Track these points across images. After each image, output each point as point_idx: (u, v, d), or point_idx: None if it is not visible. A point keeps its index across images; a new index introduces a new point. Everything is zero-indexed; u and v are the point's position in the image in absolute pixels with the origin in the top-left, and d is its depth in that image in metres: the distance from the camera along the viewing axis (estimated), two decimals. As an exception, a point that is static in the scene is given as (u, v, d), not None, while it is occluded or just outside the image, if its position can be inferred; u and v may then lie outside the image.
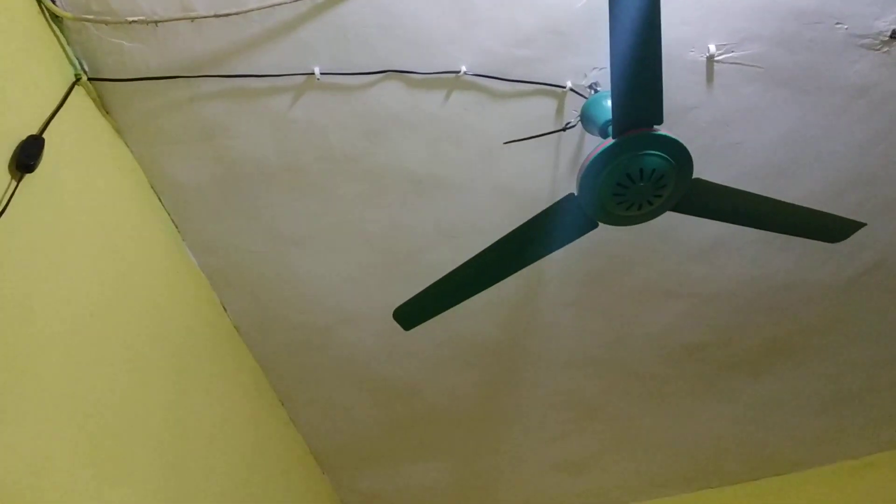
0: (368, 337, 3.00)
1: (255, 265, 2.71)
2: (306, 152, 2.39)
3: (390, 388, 3.28)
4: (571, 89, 2.28)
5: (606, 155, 1.82)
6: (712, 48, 2.21)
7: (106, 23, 2.04)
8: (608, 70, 2.21)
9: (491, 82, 2.26)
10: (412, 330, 2.84)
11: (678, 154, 1.83)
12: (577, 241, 2.60)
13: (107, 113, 2.23)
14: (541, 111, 2.33)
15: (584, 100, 2.23)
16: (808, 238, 2.22)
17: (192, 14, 2.05)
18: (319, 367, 3.14)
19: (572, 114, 2.31)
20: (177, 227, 2.57)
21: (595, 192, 1.87)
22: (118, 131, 2.29)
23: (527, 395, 3.41)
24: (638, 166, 1.81)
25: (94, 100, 2.18)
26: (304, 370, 3.14)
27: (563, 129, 2.34)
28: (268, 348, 3.03)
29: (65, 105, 1.99)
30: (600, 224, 2.02)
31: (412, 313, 2.25)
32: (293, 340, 3.00)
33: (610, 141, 1.83)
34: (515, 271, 2.13)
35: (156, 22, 2.06)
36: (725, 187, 2.00)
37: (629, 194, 1.86)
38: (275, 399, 3.26)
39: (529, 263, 2.13)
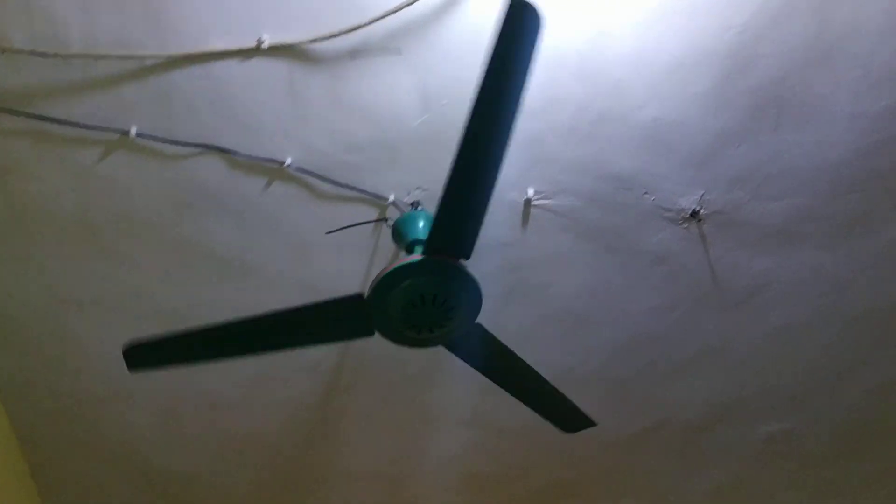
0: (142, 417, 2.78)
1: (29, 320, 2.48)
2: (107, 211, 2.25)
3: (160, 476, 3.03)
4: (393, 203, 2.29)
5: (413, 268, 1.81)
6: (531, 192, 2.30)
7: None
8: (431, 192, 2.27)
9: (315, 181, 2.24)
10: (192, 417, 2.67)
11: (472, 293, 1.85)
12: (379, 355, 2.58)
13: None
14: (361, 218, 2.32)
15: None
16: (542, 417, 2.30)
17: (6, 45, 1.92)
18: (82, 443, 2.86)
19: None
20: (-56, 264, 2.32)
21: (385, 301, 1.84)
22: None
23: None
24: (433, 291, 1.81)
25: None
26: (64, 443, 2.86)
27: (385, 220, 2.33)
28: (27, 413, 2.74)
29: None
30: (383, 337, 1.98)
31: (146, 354, 1.96)
32: (58, 408, 2.74)
33: (419, 256, 1.83)
34: (276, 350, 2.00)
35: (-38, 45, 1.91)
36: (497, 341, 2.02)
37: (417, 315, 1.85)
38: (25, 470, 2.92)
39: (292, 347, 2.02)
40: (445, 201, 1.69)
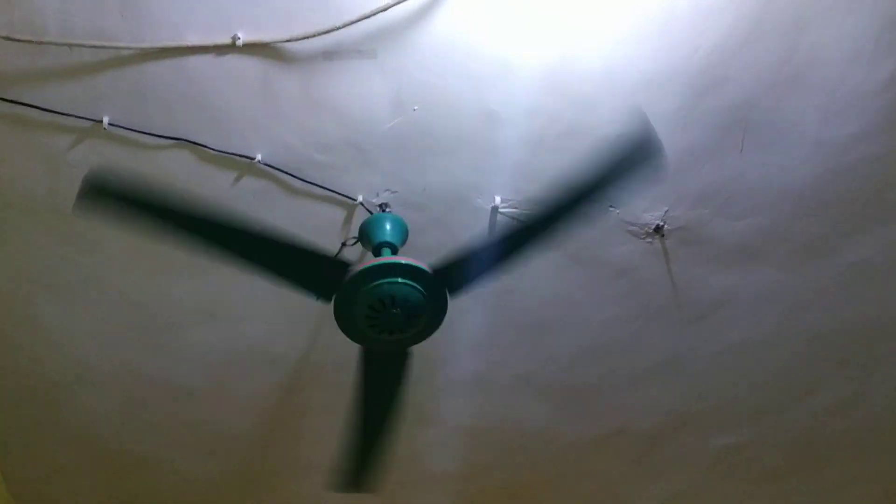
0: (106, 402, 2.79)
1: (-6, 300, 2.49)
2: (77, 198, 2.26)
3: (122, 460, 3.03)
4: (362, 204, 2.32)
5: (390, 269, 1.84)
6: (497, 200, 2.34)
7: None
8: (399, 194, 2.30)
9: (285, 177, 2.26)
10: (156, 404, 2.68)
11: (438, 303, 1.88)
12: (343, 353, 2.58)
13: None
14: (330, 217, 2.36)
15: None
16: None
17: (-19, 29, 1.93)
18: (45, 425, 2.86)
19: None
20: (-88, 242, 2.33)
21: (354, 297, 1.86)
22: None
23: (265, 498, 3.27)
24: (403, 293, 1.84)
25: None
26: (27, 424, 2.86)
27: (343, 245, 2.35)
28: (-10, 395, 2.75)
29: None
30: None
31: (106, 189, 1.71)
32: (20, 389, 2.74)
33: (402, 258, 1.87)
34: (235, 259, 1.83)
35: (-62, 26, 1.92)
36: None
37: (381, 318, 1.87)
38: (-13, 452, 2.94)
39: (251, 266, 1.85)
40: None
